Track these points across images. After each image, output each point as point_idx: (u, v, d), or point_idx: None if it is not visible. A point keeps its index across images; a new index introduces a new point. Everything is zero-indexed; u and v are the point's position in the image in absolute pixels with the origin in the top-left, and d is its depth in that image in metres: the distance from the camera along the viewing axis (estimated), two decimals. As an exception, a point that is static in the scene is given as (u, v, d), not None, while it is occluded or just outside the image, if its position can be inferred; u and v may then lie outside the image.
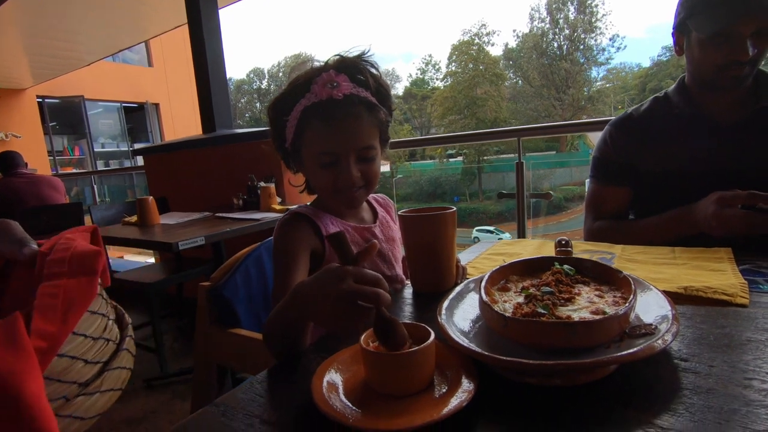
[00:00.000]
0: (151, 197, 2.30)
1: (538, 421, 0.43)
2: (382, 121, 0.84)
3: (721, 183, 0.98)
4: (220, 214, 2.40)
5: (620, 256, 0.92)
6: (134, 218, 2.32)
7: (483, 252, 1.07)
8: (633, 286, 0.57)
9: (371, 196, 1.00)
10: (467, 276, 0.88)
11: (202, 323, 0.88)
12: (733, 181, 0.96)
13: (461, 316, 0.61)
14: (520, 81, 27.88)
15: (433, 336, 0.48)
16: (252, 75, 38.04)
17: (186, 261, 2.73)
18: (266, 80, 36.90)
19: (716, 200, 0.92)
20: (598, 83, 27.40)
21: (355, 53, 0.81)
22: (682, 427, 0.39)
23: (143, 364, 2.51)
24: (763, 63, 1.02)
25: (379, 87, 0.84)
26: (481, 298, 0.57)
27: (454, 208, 0.80)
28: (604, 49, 26.02)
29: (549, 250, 1.01)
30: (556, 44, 26.15)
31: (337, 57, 0.81)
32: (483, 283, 0.61)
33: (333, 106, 0.77)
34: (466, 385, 0.45)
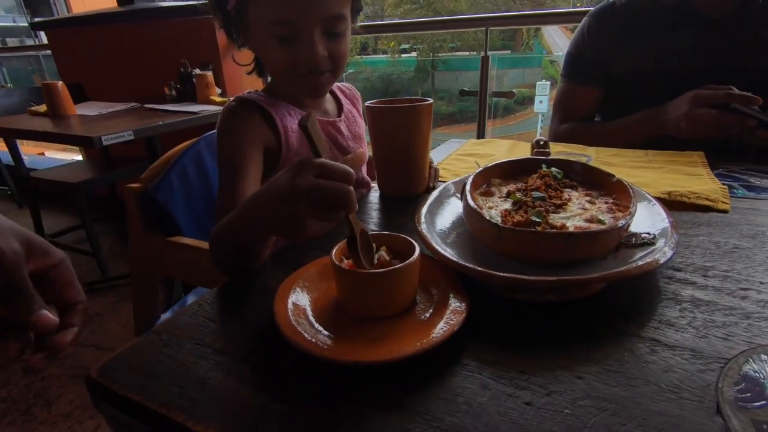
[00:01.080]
0: (61, 82, 1.94)
1: (532, 340, 0.38)
2: None
3: (703, 81, 0.93)
4: (150, 106, 2.10)
5: (595, 159, 0.87)
6: (43, 107, 1.98)
7: (453, 152, 0.99)
8: (631, 191, 0.51)
9: (336, 85, 0.85)
10: (440, 179, 0.81)
11: (135, 231, 0.76)
12: (717, 80, 0.91)
13: (441, 224, 0.54)
14: (481, -32, 25.73)
15: (418, 250, 0.40)
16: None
17: (117, 159, 2.44)
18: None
19: (691, 98, 0.87)
20: (560, -24, 25.94)
21: None
22: (688, 344, 0.36)
23: (81, 268, 2.37)
24: None
25: None
26: (467, 204, 0.49)
27: (431, 100, 0.69)
28: (571, -64, 24.21)
29: (522, 151, 0.95)
30: (522, -74, 23.87)
31: None
32: (468, 187, 0.54)
33: None
34: (456, 305, 0.40)
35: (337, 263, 0.39)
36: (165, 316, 0.82)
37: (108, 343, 1.81)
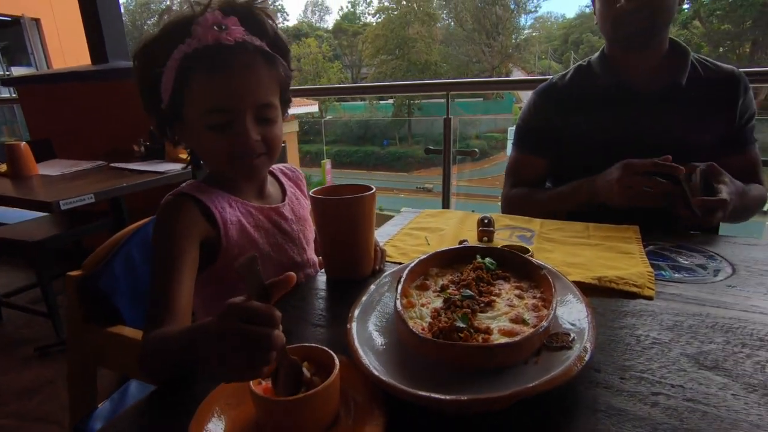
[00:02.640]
0: (24, 143, 1.93)
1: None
2: (283, 77, 0.70)
3: (636, 154, 0.99)
4: (117, 165, 2.09)
5: (539, 234, 0.91)
6: (3, 167, 1.94)
7: (405, 226, 1.01)
8: (553, 289, 0.54)
9: (278, 167, 0.87)
10: (387, 258, 0.83)
11: (73, 320, 0.74)
12: (649, 153, 0.98)
13: (376, 321, 0.55)
14: (452, 23, 27.41)
15: (336, 369, 0.41)
16: (160, -9, 33.12)
17: (83, 214, 2.39)
18: (178, -2, 32.41)
19: (622, 167, 0.93)
20: (525, 31, 27.84)
21: None
22: (594, 464, 0.37)
23: (34, 329, 2.25)
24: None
25: (277, 39, 0.69)
26: (396, 308, 0.50)
27: (374, 189, 0.72)
28: (533, -4, 26.21)
29: (472, 223, 0.98)
30: (489, -14, 25.78)
31: None
32: (399, 287, 0.55)
33: (222, 53, 0.62)
34: (374, 424, 0.40)
35: (252, 388, 0.39)
36: (104, 406, 0.79)
37: (58, 415, 1.69)
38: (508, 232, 0.94)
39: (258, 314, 0.38)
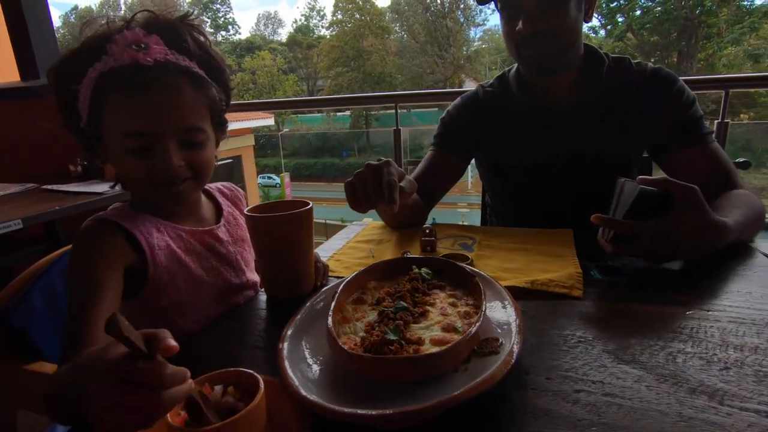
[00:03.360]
0: (-59, 166, 1.77)
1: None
2: (214, 99, 0.68)
3: (555, 168, 1.03)
4: (50, 187, 1.96)
5: (480, 242, 0.94)
6: None
7: (351, 239, 1.01)
8: (483, 295, 0.55)
9: (215, 186, 0.85)
10: (330, 273, 0.82)
11: (-13, 359, 0.68)
12: (567, 166, 1.01)
13: (310, 339, 0.54)
14: (405, 36, 27.99)
15: (260, 392, 0.40)
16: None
17: (14, 241, 2.22)
18: (124, 6, 31.17)
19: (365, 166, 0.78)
20: (475, 43, 28.86)
21: (176, 15, 0.64)
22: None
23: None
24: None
25: (207, 57, 0.68)
26: (327, 326, 0.50)
27: (311, 204, 0.71)
28: (481, 10, 27.25)
29: (416, 234, 1.00)
30: (439, 0, 26.60)
31: (147, 13, 0.63)
32: (333, 303, 0.55)
33: (139, 74, 0.59)
34: (300, 447, 0.39)
35: (169, 419, 0.37)
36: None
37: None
38: (450, 240, 0.96)
39: (139, 374, 0.34)
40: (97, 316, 0.55)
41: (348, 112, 26.88)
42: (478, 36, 29.60)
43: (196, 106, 0.65)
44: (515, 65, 1.08)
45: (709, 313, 0.61)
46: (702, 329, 0.57)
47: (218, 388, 0.42)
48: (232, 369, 0.44)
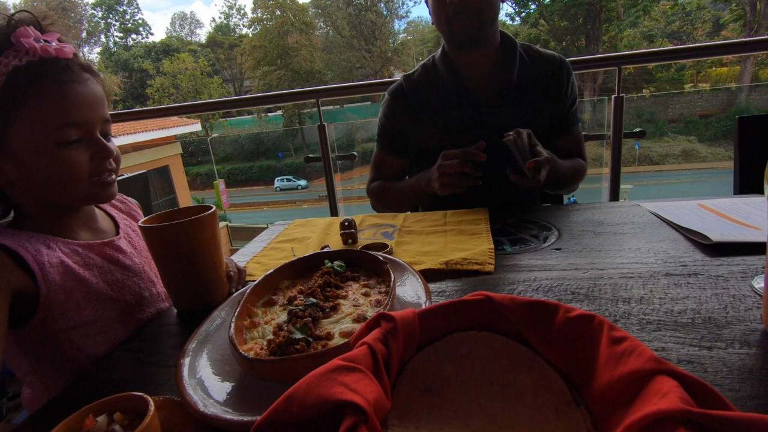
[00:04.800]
0: None
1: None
2: (108, 95, 0.67)
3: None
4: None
5: (401, 228, 0.95)
6: None
7: (272, 240, 0.98)
8: (392, 282, 0.55)
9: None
10: (249, 277, 0.79)
11: None
12: (491, 152, 1.06)
13: (216, 350, 0.52)
14: (330, 31, 27.71)
15: (149, 415, 0.37)
16: (-15, 10, 28.31)
17: None
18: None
19: (440, 156, 0.98)
20: (401, 35, 29.24)
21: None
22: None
23: None
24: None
25: (89, 63, 0.65)
26: (229, 334, 0.48)
27: (213, 208, 0.68)
28: (403, 2, 27.62)
29: (337, 228, 0.99)
30: (361, -6, 26.58)
31: (27, 14, 0.60)
32: (238, 309, 0.52)
33: (66, 67, 0.60)
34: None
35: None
36: None
37: None
38: (372, 230, 0.96)
39: None
40: None
41: (280, 112, 26.19)
42: (402, 28, 30.02)
43: (106, 100, 0.65)
44: (439, 50, 1.15)
45: (603, 271, 0.66)
46: (597, 287, 0.61)
47: (101, 418, 0.38)
48: (119, 394, 0.40)
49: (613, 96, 1.82)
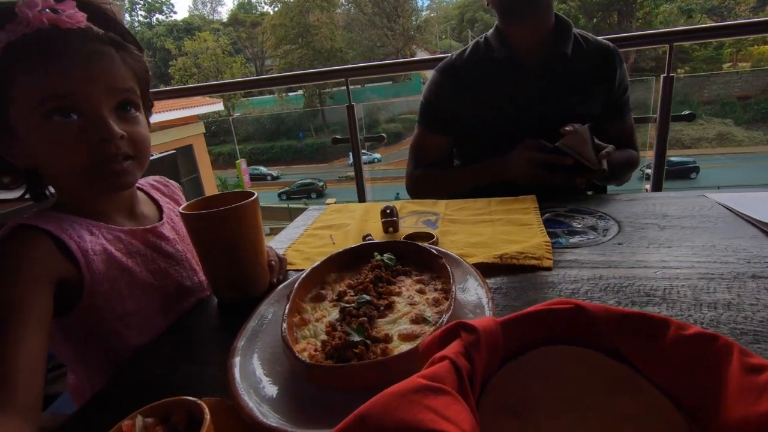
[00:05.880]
0: None
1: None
2: (142, 71, 0.61)
3: (532, 125, 1.03)
4: (-31, 196, 1.76)
5: (444, 216, 0.90)
6: None
7: (309, 226, 0.95)
8: (451, 278, 0.51)
9: (147, 182, 0.76)
10: (289, 266, 0.76)
11: None
12: (543, 124, 1.01)
13: (266, 349, 0.49)
14: (352, 8, 27.20)
15: (205, 425, 0.34)
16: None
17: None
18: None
19: (525, 160, 0.96)
20: (423, 13, 28.49)
21: None
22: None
23: None
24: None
25: (126, 35, 0.61)
26: (281, 332, 0.44)
27: (255, 195, 0.64)
28: (427, -22, 26.81)
29: (376, 213, 0.94)
30: (383, -31, 25.88)
31: None
32: (288, 305, 0.49)
33: (61, 38, 0.52)
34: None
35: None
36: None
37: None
38: (414, 218, 0.92)
39: None
40: (19, 350, 0.47)
41: (301, 92, 26.09)
42: (425, 5, 29.22)
43: (126, 74, 0.58)
44: (491, 29, 1.13)
45: (678, 271, 0.60)
46: (674, 289, 0.56)
47: (140, 421, 0.36)
48: (170, 399, 0.37)
49: (662, 76, 1.70)
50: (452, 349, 0.32)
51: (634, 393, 0.32)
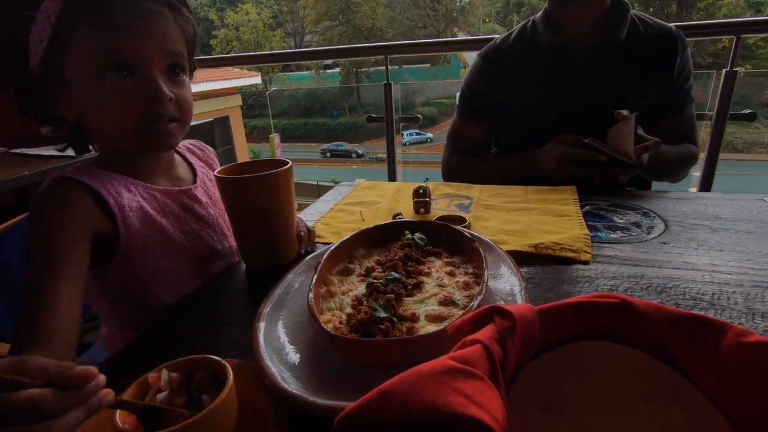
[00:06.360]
0: None
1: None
2: (191, 34, 0.62)
3: (577, 117, 0.98)
4: (20, 151, 1.84)
5: (477, 201, 0.87)
6: None
7: (339, 201, 0.94)
8: (484, 263, 0.49)
9: (184, 145, 0.76)
10: (317, 239, 0.75)
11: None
12: (588, 116, 0.96)
13: (291, 317, 0.48)
14: (395, -14, 26.62)
15: (227, 386, 0.34)
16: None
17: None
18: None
19: (558, 156, 0.91)
20: (468, -6, 27.56)
21: None
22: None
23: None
24: None
25: None
26: (307, 302, 0.44)
27: (290, 163, 0.64)
28: (474, -42, 25.87)
29: (408, 194, 0.93)
30: (430, -53, 25.11)
31: None
32: (315, 275, 0.49)
33: None
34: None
35: (117, 422, 0.31)
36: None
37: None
38: (446, 201, 0.89)
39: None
40: (56, 299, 0.48)
41: (338, 69, 25.99)
42: (471, -15, 28.22)
43: (177, 36, 0.59)
44: (539, 13, 1.06)
45: (729, 276, 0.56)
46: (724, 295, 0.52)
47: (166, 374, 0.36)
48: (196, 356, 0.38)
49: (724, 70, 1.58)
50: (485, 333, 0.31)
51: (681, 401, 0.30)
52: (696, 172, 1.80)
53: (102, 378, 0.30)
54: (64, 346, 0.48)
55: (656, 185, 1.15)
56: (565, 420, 0.30)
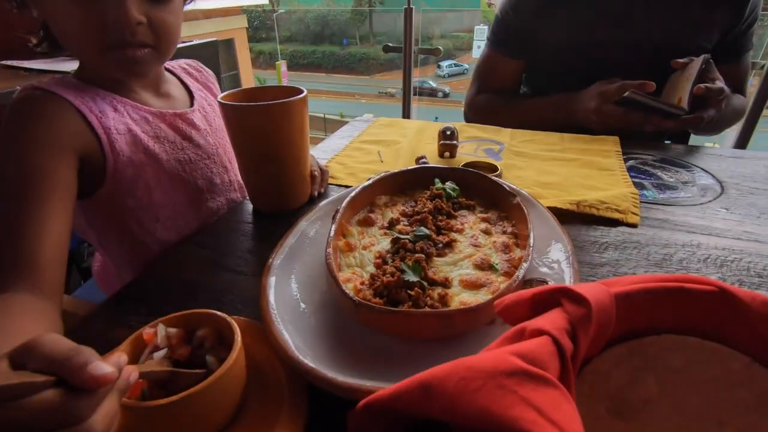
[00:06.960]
0: None
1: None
2: None
3: (627, 55, 0.86)
4: (10, 62, 1.71)
5: (508, 148, 0.79)
6: None
7: (355, 138, 0.86)
8: (529, 224, 0.43)
9: (178, 64, 0.67)
10: (331, 180, 0.68)
11: None
12: (639, 54, 0.85)
13: (305, 271, 0.43)
14: None
15: (235, 351, 0.29)
16: None
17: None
18: None
19: (598, 95, 0.81)
20: None
21: None
22: None
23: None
24: None
25: None
26: (326, 259, 0.38)
27: (305, 92, 0.55)
28: None
29: (432, 134, 0.84)
30: None
31: None
32: (334, 226, 0.42)
33: None
34: (288, 416, 0.30)
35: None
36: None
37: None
38: (473, 145, 0.81)
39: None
40: (43, 229, 0.42)
41: (350, -7, 24.33)
42: None
43: None
44: None
45: (799, 252, 0.49)
46: (794, 274, 0.45)
47: (163, 330, 0.31)
48: (201, 311, 0.32)
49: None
50: (553, 322, 0.25)
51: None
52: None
53: (124, 358, 0.24)
54: (54, 280, 0.42)
55: (693, 138, 1.05)
56: (642, 427, 0.25)
